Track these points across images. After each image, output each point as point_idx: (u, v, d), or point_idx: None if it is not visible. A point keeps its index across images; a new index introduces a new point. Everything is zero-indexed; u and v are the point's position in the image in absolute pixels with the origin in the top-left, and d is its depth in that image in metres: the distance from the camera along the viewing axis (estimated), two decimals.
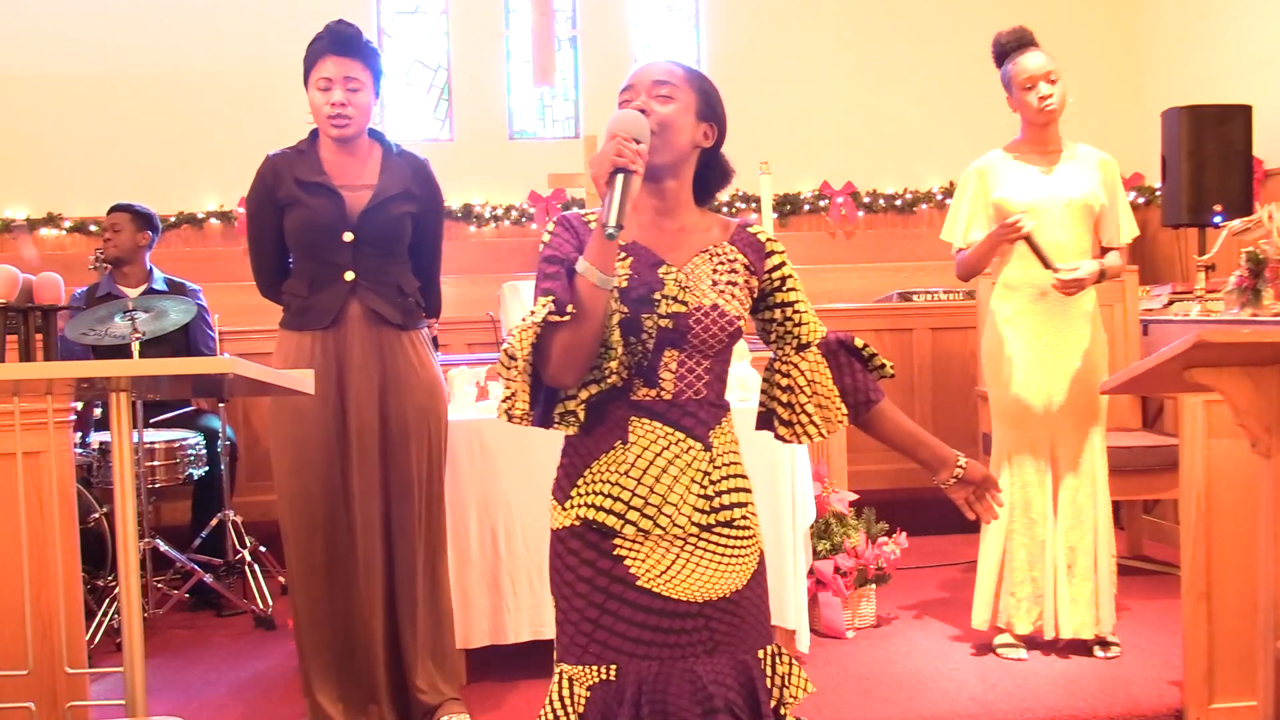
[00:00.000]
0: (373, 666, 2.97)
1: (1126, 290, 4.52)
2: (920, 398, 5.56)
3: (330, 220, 2.90)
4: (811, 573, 3.67)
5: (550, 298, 1.75)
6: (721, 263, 1.89)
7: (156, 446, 4.20)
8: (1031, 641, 3.48)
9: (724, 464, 1.87)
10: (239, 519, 4.36)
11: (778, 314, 1.95)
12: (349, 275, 2.92)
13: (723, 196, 6.34)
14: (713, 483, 1.85)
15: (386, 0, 6.66)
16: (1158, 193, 5.54)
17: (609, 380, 1.81)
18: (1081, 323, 3.44)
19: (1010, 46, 3.44)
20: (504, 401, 1.80)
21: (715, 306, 1.84)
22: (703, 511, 1.84)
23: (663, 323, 1.82)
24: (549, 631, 3.39)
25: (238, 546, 4.33)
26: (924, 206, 6.60)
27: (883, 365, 1.99)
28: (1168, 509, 4.79)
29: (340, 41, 2.90)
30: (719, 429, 1.88)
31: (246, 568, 4.31)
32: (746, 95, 6.70)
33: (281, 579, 4.58)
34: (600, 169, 1.74)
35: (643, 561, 1.82)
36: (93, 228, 6.07)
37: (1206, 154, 4.94)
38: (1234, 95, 5.17)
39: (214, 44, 6.30)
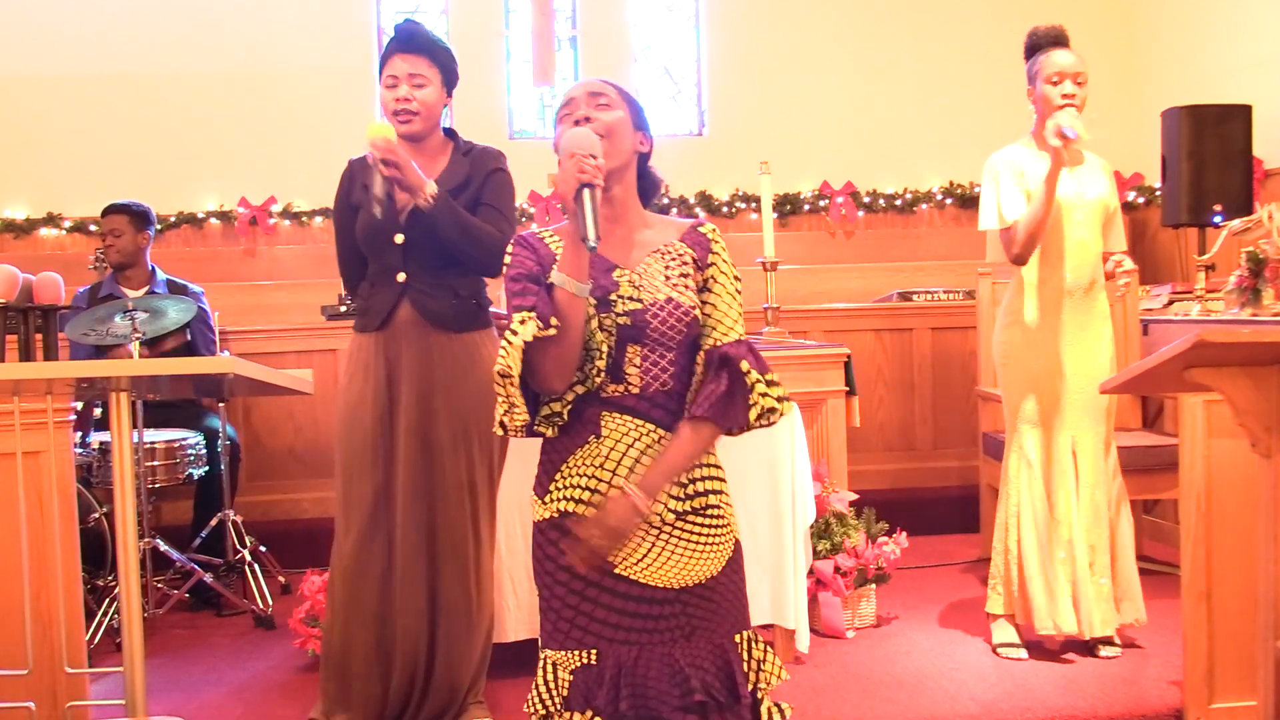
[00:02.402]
0: (393, 669, 2.93)
1: (1126, 290, 4.51)
2: (920, 397, 5.56)
3: (383, 223, 2.89)
4: (811, 573, 3.67)
5: (532, 313, 1.84)
6: (673, 259, 1.97)
7: (156, 446, 4.19)
8: (1032, 642, 3.48)
9: None
10: (239, 519, 4.36)
11: (696, 313, 1.95)
12: (401, 276, 2.91)
13: (722, 196, 6.36)
14: (685, 471, 1.92)
15: (386, 0, 6.67)
16: (1158, 193, 5.54)
17: (597, 380, 1.90)
18: (1101, 323, 3.46)
19: (1045, 41, 3.45)
20: (504, 416, 1.89)
21: (670, 300, 1.92)
22: (678, 499, 1.93)
23: (621, 320, 1.90)
24: None
25: (238, 546, 4.33)
26: (924, 206, 6.60)
27: (758, 402, 1.90)
28: (1168, 509, 4.79)
29: (405, 38, 2.92)
30: None
31: (246, 567, 4.31)
32: (746, 95, 6.70)
33: (282, 579, 4.59)
34: (567, 187, 1.83)
35: (620, 550, 1.90)
36: (93, 228, 6.07)
37: (1206, 154, 4.93)
38: (1234, 95, 5.17)
39: (214, 44, 6.30)
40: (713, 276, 1.98)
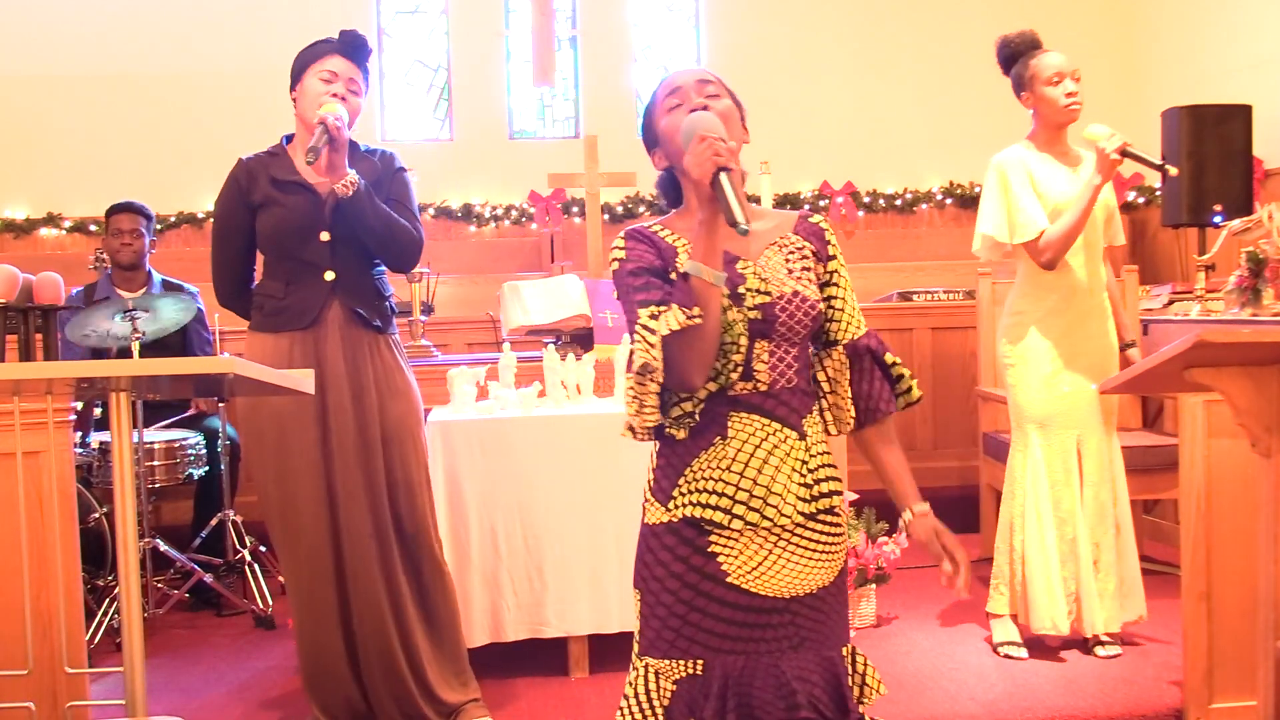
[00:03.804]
0: (369, 671, 2.95)
1: (1126, 290, 4.51)
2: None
3: (307, 219, 2.88)
4: None
5: (665, 306, 1.76)
6: (792, 252, 1.91)
7: (156, 446, 4.19)
8: (1032, 642, 3.48)
9: (818, 451, 1.90)
10: (239, 519, 4.36)
11: (822, 306, 1.94)
12: (329, 275, 2.89)
13: None
14: (810, 470, 1.87)
15: (386, 0, 6.66)
16: (1158, 193, 5.55)
17: (732, 377, 1.84)
18: (1104, 322, 3.48)
19: (1023, 48, 3.45)
20: (634, 416, 1.82)
21: (796, 293, 1.87)
22: (805, 500, 1.86)
23: (751, 314, 1.84)
24: (548, 630, 3.41)
25: (238, 546, 4.33)
26: (924, 206, 6.60)
27: (909, 389, 1.99)
28: (1168, 509, 4.79)
29: (354, 44, 2.94)
30: (810, 417, 1.91)
31: (246, 567, 4.31)
32: (746, 95, 6.69)
33: (282, 579, 4.58)
34: (703, 171, 1.72)
35: (735, 558, 1.84)
36: (93, 227, 6.08)
37: (1206, 154, 4.94)
38: (1234, 95, 5.17)
39: (214, 44, 6.30)
40: (836, 270, 1.95)
